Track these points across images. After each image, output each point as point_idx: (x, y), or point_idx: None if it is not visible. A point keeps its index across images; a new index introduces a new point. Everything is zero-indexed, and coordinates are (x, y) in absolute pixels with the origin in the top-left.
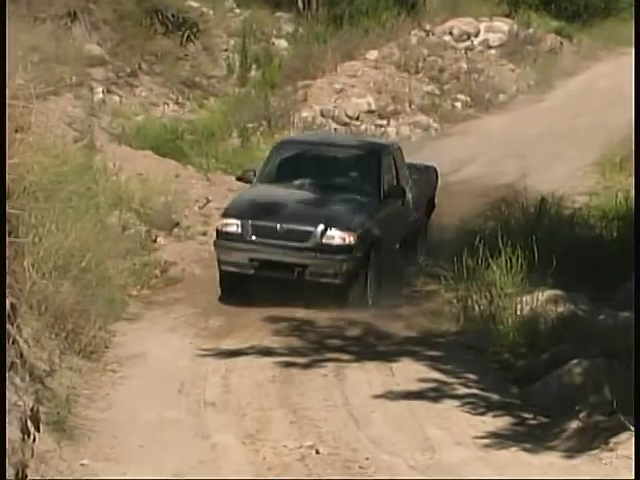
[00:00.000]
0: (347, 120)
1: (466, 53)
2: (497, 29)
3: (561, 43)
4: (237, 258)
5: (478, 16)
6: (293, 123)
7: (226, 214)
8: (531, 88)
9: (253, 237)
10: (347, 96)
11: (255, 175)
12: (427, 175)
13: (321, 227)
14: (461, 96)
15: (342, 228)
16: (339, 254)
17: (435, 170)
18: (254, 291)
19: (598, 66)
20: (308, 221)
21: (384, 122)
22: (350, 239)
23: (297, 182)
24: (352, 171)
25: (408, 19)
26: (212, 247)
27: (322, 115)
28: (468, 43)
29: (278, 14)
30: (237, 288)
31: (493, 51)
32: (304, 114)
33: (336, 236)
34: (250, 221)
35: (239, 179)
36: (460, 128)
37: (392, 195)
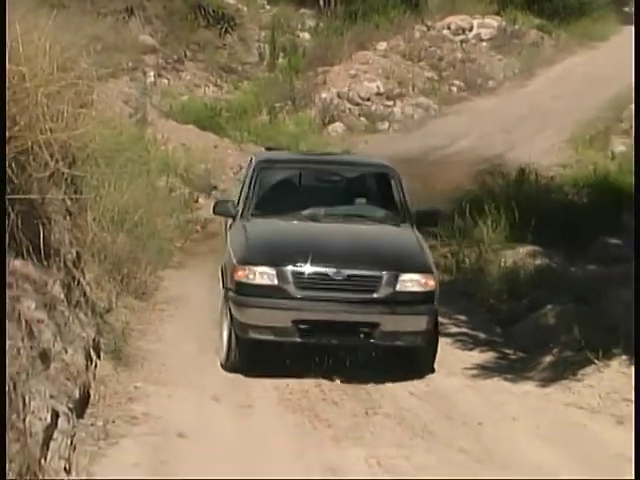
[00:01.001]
0: (359, 101)
1: (461, 45)
2: (488, 25)
3: (542, 38)
4: (274, 321)
5: (472, 14)
6: (314, 103)
7: (247, 261)
8: (516, 75)
9: (298, 291)
10: (360, 80)
11: (234, 206)
12: None
13: (392, 270)
14: (457, 81)
15: (418, 270)
16: (421, 305)
17: None
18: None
19: (573, 58)
20: (371, 263)
21: (391, 103)
22: (431, 283)
23: (306, 212)
24: (374, 195)
25: (412, 16)
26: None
27: (338, 96)
28: (463, 37)
29: (302, 11)
30: (256, 362)
31: (484, 44)
32: (323, 95)
33: (414, 280)
34: (290, 267)
35: (215, 212)
36: (455, 109)
37: (426, 221)
